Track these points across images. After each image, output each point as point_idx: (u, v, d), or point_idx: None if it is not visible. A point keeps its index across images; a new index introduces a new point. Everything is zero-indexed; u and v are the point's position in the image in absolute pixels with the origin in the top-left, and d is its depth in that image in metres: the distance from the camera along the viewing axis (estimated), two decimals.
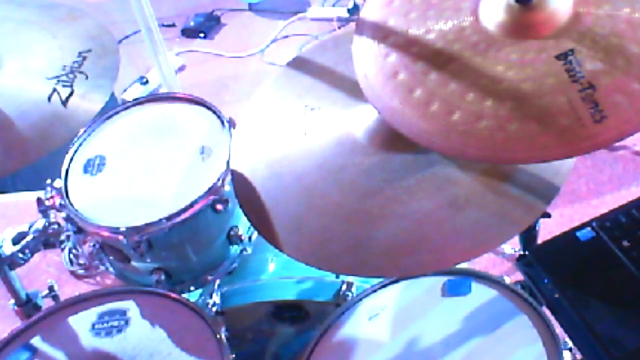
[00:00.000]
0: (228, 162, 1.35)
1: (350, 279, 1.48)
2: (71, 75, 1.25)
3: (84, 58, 1.27)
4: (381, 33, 1.06)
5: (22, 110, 1.24)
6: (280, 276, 1.56)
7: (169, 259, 1.47)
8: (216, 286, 1.53)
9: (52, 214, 1.51)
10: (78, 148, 1.55)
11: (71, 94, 1.23)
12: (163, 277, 1.47)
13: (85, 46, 1.31)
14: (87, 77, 1.26)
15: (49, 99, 1.23)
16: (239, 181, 1.24)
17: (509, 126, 0.91)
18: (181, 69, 3.32)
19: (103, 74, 1.28)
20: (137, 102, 1.64)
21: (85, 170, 1.51)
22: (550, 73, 0.92)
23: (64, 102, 1.21)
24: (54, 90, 1.23)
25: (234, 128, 1.47)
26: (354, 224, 1.11)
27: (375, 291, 1.33)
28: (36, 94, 1.25)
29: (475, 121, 0.92)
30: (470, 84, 0.95)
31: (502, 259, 2.06)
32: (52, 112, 1.23)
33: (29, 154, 1.20)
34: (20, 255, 1.49)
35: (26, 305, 1.58)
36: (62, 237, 1.56)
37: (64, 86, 1.24)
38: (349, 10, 3.28)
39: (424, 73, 0.99)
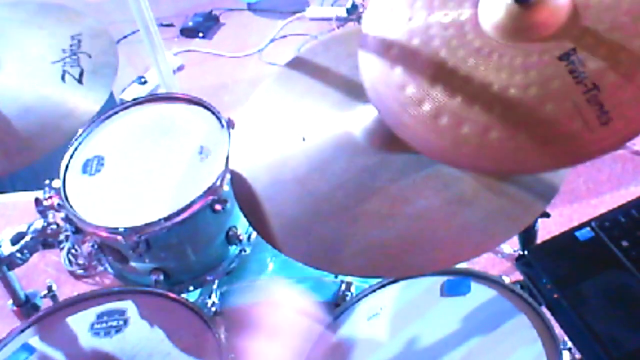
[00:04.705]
0: (227, 162, 1.35)
1: (349, 278, 1.48)
2: (75, 57, 1.28)
3: (79, 40, 1.30)
4: (384, 45, 1.05)
5: (40, 95, 1.28)
6: (279, 276, 1.56)
7: (167, 259, 1.47)
8: (215, 286, 1.53)
9: (51, 214, 1.51)
10: (76, 148, 1.55)
11: (82, 72, 1.25)
12: (162, 277, 1.47)
13: (74, 30, 1.35)
14: (90, 56, 1.29)
15: (63, 79, 1.27)
16: (239, 184, 1.23)
17: (517, 136, 0.90)
18: (180, 68, 3.32)
19: (103, 51, 1.33)
20: (136, 102, 1.64)
21: (84, 171, 1.51)
22: (554, 76, 0.91)
23: (79, 80, 1.24)
24: (65, 71, 1.26)
25: (232, 128, 1.47)
26: (362, 226, 1.10)
27: (374, 291, 1.32)
28: (49, 77, 1.29)
29: (484, 133, 0.92)
30: (477, 95, 0.94)
31: (501, 259, 2.06)
32: (70, 90, 1.27)
33: (58, 135, 1.25)
34: (19, 255, 1.49)
35: (25, 306, 1.58)
36: (61, 237, 1.56)
37: (72, 67, 1.26)
38: (347, 10, 3.28)
39: (430, 84, 0.98)
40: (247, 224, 1.44)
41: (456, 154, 0.94)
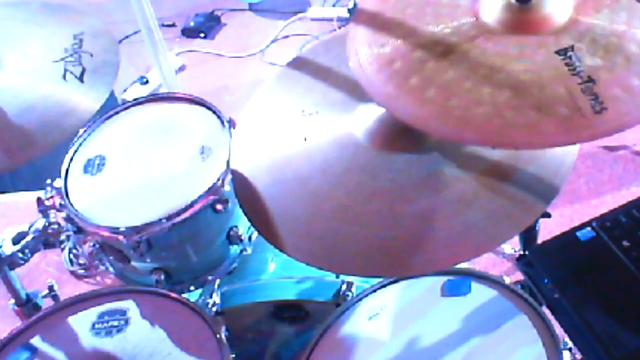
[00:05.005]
0: (228, 162, 1.35)
1: (350, 278, 1.48)
2: (76, 55, 1.28)
3: (81, 40, 1.31)
4: (378, 23, 1.06)
5: (41, 93, 1.28)
6: (280, 276, 1.56)
7: (168, 259, 1.47)
8: (216, 286, 1.53)
9: (52, 213, 1.51)
10: (78, 148, 1.56)
11: (84, 70, 1.27)
12: (163, 277, 1.47)
13: (76, 29, 1.35)
14: (91, 55, 1.30)
15: (64, 77, 1.27)
16: (240, 183, 1.23)
17: (507, 113, 0.91)
18: (181, 69, 3.31)
19: (105, 50, 1.33)
20: (137, 102, 1.64)
21: (85, 170, 1.52)
22: (549, 66, 0.92)
23: (80, 78, 1.24)
24: (66, 70, 1.27)
25: (233, 128, 1.47)
26: (364, 226, 1.10)
27: (375, 291, 1.33)
28: (50, 76, 1.29)
29: (472, 107, 0.92)
30: (468, 73, 0.95)
31: (502, 259, 2.05)
32: (71, 88, 1.27)
33: (59, 132, 1.24)
34: (20, 255, 1.50)
35: (26, 305, 1.58)
36: (62, 237, 1.56)
37: (73, 65, 1.27)
38: (349, 10, 3.27)
39: (420, 62, 0.99)
40: (248, 223, 1.44)
41: (441, 124, 0.94)
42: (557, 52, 0.93)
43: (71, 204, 1.45)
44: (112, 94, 2.83)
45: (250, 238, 1.54)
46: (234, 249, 1.53)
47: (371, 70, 1.01)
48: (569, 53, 0.92)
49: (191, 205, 1.39)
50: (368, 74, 1.01)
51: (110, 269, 1.56)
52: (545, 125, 0.89)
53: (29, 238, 1.50)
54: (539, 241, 1.33)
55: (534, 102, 0.90)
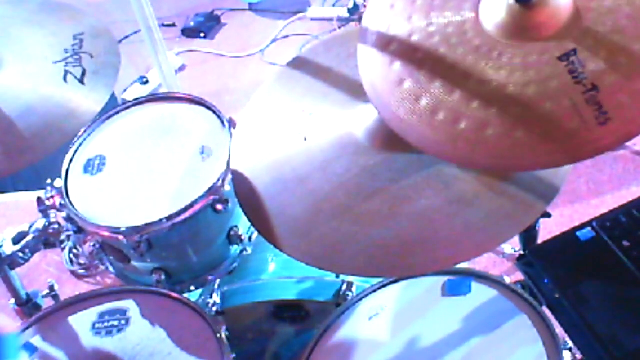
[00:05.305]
0: (228, 162, 1.35)
1: (350, 278, 1.48)
2: (77, 57, 1.29)
3: (81, 40, 1.31)
4: (384, 40, 1.05)
5: (42, 95, 1.28)
6: (281, 276, 1.56)
7: (169, 259, 1.47)
8: (216, 286, 1.53)
9: (53, 213, 1.51)
10: (78, 148, 1.56)
11: (84, 72, 1.27)
12: (163, 276, 1.47)
13: (76, 30, 1.36)
14: (92, 56, 1.30)
15: (65, 79, 1.28)
16: (240, 183, 1.23)
17: (515, 133, 0.90)
18: (181, 68, 3.31)
19: (106, 51, 1.34)
20: (138, 102, 1.64)
21: (86, 170, 1.52)
22: (553, 75, 0.91)
23: (81, 80, 1.25)
24: (67, 72, 1.27)
25: (234, 128, 1.47)
26: (364, 225, 1.10)
27: (375, 291, 1.33)
28: (51, 77, 1.29)
29: (481, 129, 0.92)
30: (475, 91, 0.95)
31: (502, 259, 2.05)
32: (72, 91, 1.28)
33: (60, 135, 1.26)
34: (21, 254, 1.50)
35: (26, 305, 1.59)
36: (63, 237, 1.57)
37: (74, 67, 1.27)
38: (349, 10, 3.28)
39: (428, 80, 0.98)
40: (248, 223, 1.45)
41: (452, 149, 0.94)
42: (560, 58, 0.92)
43: (71, 204, 1.45)
44: (112, 94, 2.83)
45: (250, 238, 1.54)
46: (234, 249, 1.53)
47: (383, 91, 1.01)
48: (572, 58, 0.92)
49: (191, 205, 1.39)
50: (382, 97, 1.01)
51: (111, 268, 1.56)
52: (552, 144, 0.88)
53: (29, 238, 1.50)
54: (539, 241, 1.33)
55: (540, 119, 0.89)
